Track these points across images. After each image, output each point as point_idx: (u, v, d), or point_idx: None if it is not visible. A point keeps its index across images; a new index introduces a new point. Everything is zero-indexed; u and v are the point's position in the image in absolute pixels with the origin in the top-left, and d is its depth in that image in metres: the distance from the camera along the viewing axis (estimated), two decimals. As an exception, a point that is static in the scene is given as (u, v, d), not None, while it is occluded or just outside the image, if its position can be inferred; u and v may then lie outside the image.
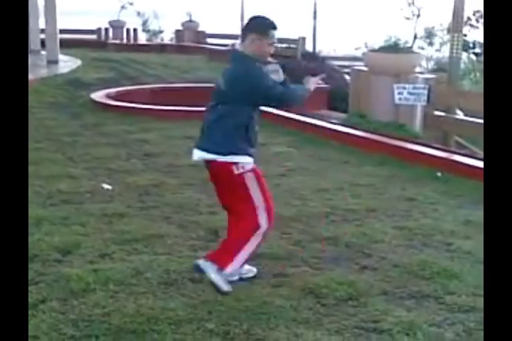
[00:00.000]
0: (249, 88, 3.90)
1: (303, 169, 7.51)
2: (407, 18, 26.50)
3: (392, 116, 10.11)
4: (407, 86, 9.64)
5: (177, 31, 28.45)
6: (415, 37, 24.43)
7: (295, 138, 9.31)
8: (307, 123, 10.04)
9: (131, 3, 32.11)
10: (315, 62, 20.01)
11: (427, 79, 9.97)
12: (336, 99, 14.19)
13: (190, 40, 27.02)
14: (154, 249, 4.79)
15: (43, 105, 11.75)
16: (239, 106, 3.93)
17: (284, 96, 4.05)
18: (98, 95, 12.37)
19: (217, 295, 3.99)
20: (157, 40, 31.32)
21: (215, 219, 5.47)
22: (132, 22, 30.37)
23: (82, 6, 39.66)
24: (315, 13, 23.40)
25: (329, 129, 9.53)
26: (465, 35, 10.58)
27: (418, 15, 26.62)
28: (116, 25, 28.46)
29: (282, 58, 20.68)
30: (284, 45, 22.90)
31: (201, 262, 3.97)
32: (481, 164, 7.11)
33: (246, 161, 4.00)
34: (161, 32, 33.05)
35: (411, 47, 15.99)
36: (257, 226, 4.02)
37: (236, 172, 3.97)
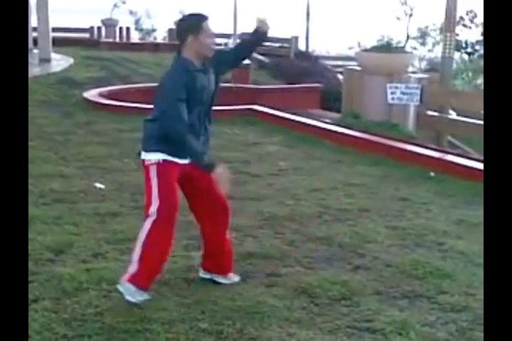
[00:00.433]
0: (160, 85, 3.90)
1: (296, 168, 7.51)
2: (399, 18, 26.53)
3: (385, 116, 10.14)
4: (399, 86, 9.66)
5: (170, 30, 28.40)
6: (408, 37, 24.49)
7: (288, 138, 9.31)
8: (301, 122, 10.04)
9: (123, 2, 32.07)
10: (308, 62, 20.04)
11: (419, 79, 10.00)
12: (328, 98, 14.22)
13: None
14: (147, 248, 4.77)
15: (35, 103, 11.70)
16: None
17: (167, 116, 3.81)
18: (90, 94, 12.34)
19: (211, 295, 3.99)
20: (150, 39, 31.26)
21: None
22: (125, 20, 30.31)
23: (74, 4, 39.56)
24: (308, 12, 23.44)
25: (323, 129, 9.54)
26: (457, 35, 10.60)
27: (411, 15, 26.67)
28: (109, 24, 28.40)
29: (275, 57, 20.77)
30: (277, 45, 22.94)
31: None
32: (474, 164, 7.14)
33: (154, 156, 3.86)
34: (153, 31, 33.02)
35: (404, 47, 16.02)
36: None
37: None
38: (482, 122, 8.32)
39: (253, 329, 3.63)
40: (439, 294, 4.11)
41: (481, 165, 6.86)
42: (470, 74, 19.64)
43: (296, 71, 17.90)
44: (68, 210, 5.62)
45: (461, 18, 23.82)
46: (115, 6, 32.01)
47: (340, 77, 15.42)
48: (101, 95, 12.28)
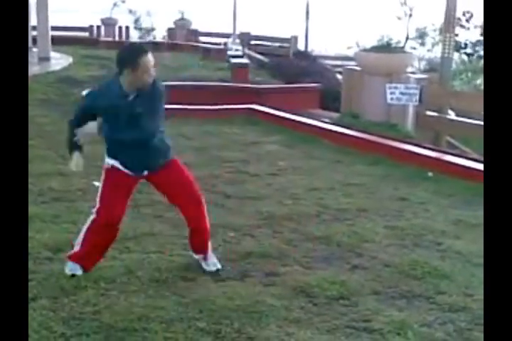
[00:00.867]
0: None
1: (295, 168, 7.51)
2: (399, 18, 26.54)
3: (384, 116, 10.14)
4: (399, 86, 9.66)
5: (169, 29, 28.39)
6: (407, 37, 24.48)
7: (287, 137, 9.31)
8: (300, 122, 10.04)
9: (123, 1, 32.00)
10: (307, 61, 20.03)
11: (418, 79, 10.00)
12: (328, 98, 14.21)
13: (183, 39, 26.96)
14: (146, 247, 4.78)
15: (35, 102, 11.67)
16: None
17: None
18: (90, 93, 12.31)
19: (209, 294, 3.99)
20: (149, 38, 31.22)
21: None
22: (124, 20, 30.27)
23: (74, 3, 39.52)
24: (307, 12, 23.44)
25: (322, 128, 9.53)
26: (456, 35, 10.60)
27: (410, 15, 26.67)
28: (109, 23, 28.37)
29: (274, 57, 20.76)
30: (276, 44, 22.94)
31: None
32: (472, 164, 7.14)
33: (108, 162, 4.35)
34: (153, 30, 32.96)
35: (403, 47, 16.01)
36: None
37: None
38: (481, 122, 8.33)
39: (251, 328, 3.63)
40: (438, 294, 4.12)
41: (479, 166, 6.87)
42: (469, 74, 19.65)
43: (295, 71, 17.89)
44: (67, 209, 5.62)
45: (458, 18, 23.81)
46: (115, 5, 31.93)
47: (339, 76, 15.42)
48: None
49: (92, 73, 15.90)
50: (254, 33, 24.00)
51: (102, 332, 3.53)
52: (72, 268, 4.20)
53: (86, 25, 28.11)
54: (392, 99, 9.70)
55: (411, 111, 9.91)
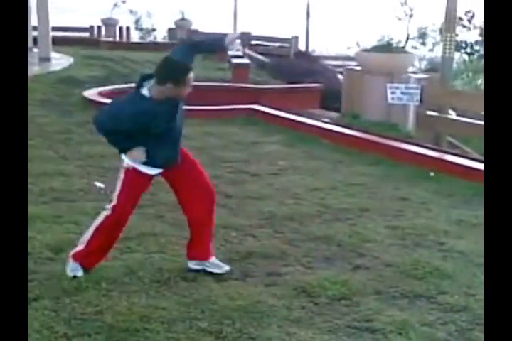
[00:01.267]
0: None
1: (296, 168, 7.51)
2: (400, 19, 26.57)
3: (384, 116, 10.13)
4: (399, 86, 9.65)
5: (170, 29, 28.40)
6: (408, 37, 24.51)
7: (288, 137, 9.31)
8: (300, 122, 10.03)
9: (123, 1, 32.03)
10: (308, 61, 20.04)
11: (419, 79, 9.99)
12: (328, 98, 14.20)
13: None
14: (147, 247, 4.78)
15: (35, 102, 11.68)
16: None
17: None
18: (90, 93, 12.32)
19: (210, 294, 4.00)
20: (150, 39, 31.24)
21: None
22: (125, 20, 30.29)
23: (74, 3, 39.52)
24: (308, 12, 23.44)
25: (322, 128, 9.53)
26: (457, 35, 10.61)
27: (411, 16, 26.68)
28: (109, 23, 28.38)
29: (275, 57, 20.77)
30: (277, 44, 22.94)
31: None
32: (473, 164, 7.14)
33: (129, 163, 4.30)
34: (153, 30, 32.98)
35: (404, 47, 16.02)
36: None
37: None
38: (481, 122, 8.32)
39: (253, 328, 3.63)
40: (439, 294, 4.12)
41: (480, 165, 6.87)
42: (470, 74, 19.64)
43: (296, 71, 17.88)
44: (68, 209, 5.62)
45: (460, 18, 23.79)
46: (115, 5, 31.97)
47: (340, 76, 15.42)
48: (101, 94, 12.27)
49: (93, 73, 15.90)
50: (254, 33, 24.01)
51: (104, 332, 3.53)
52: (73, 268, 4.20)
53: (87, 25, 28.12)
54: (392, 98, 9.69)
55: (412, 111, 9.90)
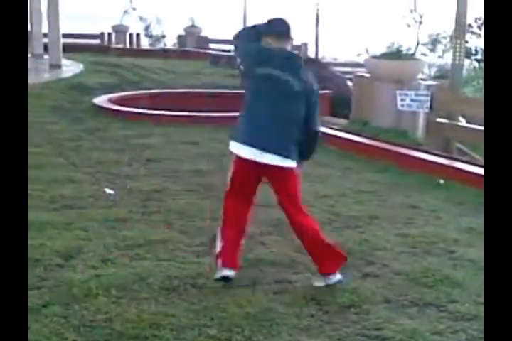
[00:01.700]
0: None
1: (305, 175, 7.46)
2: (409, 25, 26.55)
3: (394, 123, 10.11)
4: (409, 92, 9.64)
5: (179, 36, 28.49)
6: (418, 44, 24.49)
7: (297, 144, 9.29)
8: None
9: (134, 8, 32.14)
10: (317, 68, 20.02)
11: (429, 86, 9.98)
12: (337, 105, 14.19)
13: (193, 46, 27.05)
14: (157, 254, 4.79)
15: (45, 109, 11.75)
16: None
17: None
18: (100, 100, 12.37)
19: (220, 302, 3.99)
20: (160, 45, 31.33)
21: (218, 225, 5.46)
22: (135, 27, 30.41)
23: (85, 10, 39.73)
24: (317, 19, 23.45)
25: (331, 135, 9.53)
26: (467, 42, 10.57)
27: (420, 22, 26.66)
28: (120, 30, 28.50)
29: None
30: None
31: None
32: (482, 171, 7.11)
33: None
34: (163, 37, 33.06)
35: (413, 53, 16.00)
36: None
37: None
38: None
39: (262, 336, 3.62)
40: (449, 302, 4.10)
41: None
42: (480, 81, 19.58)
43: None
44: (78, 216, 5.64)
45: (470, 25, 23.73)
46: (125, 12, 32.08)
47: (349, 83, 15.41)
48: (111, 101, 12.31)
49: (103, 80, 15.96)
50: (264, 39, 24.02)
51: (113, 339, 3.54)
52: (221, 270, 4.21)
53: (97, 32, 28.25)
54: (402, 105, 9.68)
55: (421, 117, 9.89)
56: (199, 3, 35.23)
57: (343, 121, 12.03)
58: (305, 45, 22.42)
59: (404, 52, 14.07)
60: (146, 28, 33.00)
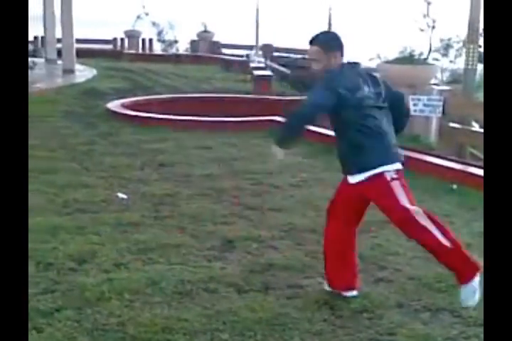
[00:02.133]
0: None
1: (318, 180, 7.50)
2: (422, 30, 26.48)
3: (406, 128, 10.07)
4: (422, 97, 9.62)
5: (192, 41, 28.58)
6: (430, 48, 24.43)
7: (310, 149, 9.30)
8: (322, 134, 10.02)
9: (146, 14, 32.27)
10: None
11: (442, 91, 9.96)
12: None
13: (205, 51, 27.14)
14: (169, 258, 4.80)
15: (59, 114, 11.82)
16: None
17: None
18: (114, 105, 12.43)
19: (232, 306, 4.00)
20: (172, 51, 31.43)
21: (230, 229, 5.49)
22: (147, 32, 30.52)
23: (98, 16, 39.94)
24: (330, 24, 23.45)
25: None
26: (480, 47, 10.55)
27: (433, 27, 26.59)
28: (132, 35, 28.64)
29: (297, 69, 20.80)
30: (298, 56, 22.97)
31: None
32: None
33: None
34: (176, 42, 33.17)
35: (426, 58, 15.97)
36: None
37: None
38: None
39: None
40: (462, 308, 4.07)
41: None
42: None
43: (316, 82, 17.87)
44: (91, 220, 5.66)
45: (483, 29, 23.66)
46: (138, 17, 32.22)
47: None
48: (124, 106, 12.37)
49: (116, 85, 16.05)
50: (276, 44, 24.08)
51: (126, 343, 3.55)
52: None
53: (110, 37, 28.39)
54: (415, 110, 9.66)
55: (434, 122, 9.86)
56: (212, 8, 35.36)
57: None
58: (317, 49, 22.42)
59: (417, 57, 14.06)
60: (159, 33, 33.10)
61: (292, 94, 16.47)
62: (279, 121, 11.00)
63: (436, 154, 8.64)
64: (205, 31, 28.20)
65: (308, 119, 4.02)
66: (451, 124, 9.91)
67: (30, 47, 22.22)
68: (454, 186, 7.16)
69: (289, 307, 4.03)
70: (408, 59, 11.12)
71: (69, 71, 17.90)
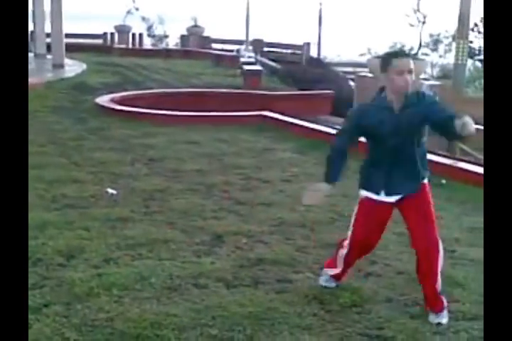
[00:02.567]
0: None
1: (308, 175, 7.50)
2: (412, 25, 26.55)
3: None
4: (412, 92, 9.63)
5: (182, 36, 28.53)
6: (420, 44, 24.46)
7: (300, 144, 9.31)
8: (312, 129, 10.04)
9: (137, 9, 32.20)
10: (320, 68, 20.04)
11: (432, 86, 9.97)
12: (340, 104, 14.21)
13: (195, 46, 27.09)
14: (158, 254, 4.79)
15: (48, 109, 11.77)
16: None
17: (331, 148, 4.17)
18: (103, 99, 12.39)
19: (221, 301, 3.99)
20: (162, 45, 31.37)
21: (220, 224, 5.48)
22: (138, 27, 30.47)
23: (88, 10, 39.78)
24: (320, 19, 23.45)
25: (334, 135, 9.51)
26: (471, 42, 10.55)
27: (423, 22, 26.64)
28: (122, 30, 28.56)
29: (287, 64, 20.80)
30: (289, 51, 22.99)
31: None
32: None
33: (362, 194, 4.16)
34: (166, 37, 33.12)
35: (416, 53, 15.99)
36: (341, 243, 4.26)
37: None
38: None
39: (264, 335, 3.62)
40: (451, 302, 4.09)
41: (493, 173, 6.83)
42: (482, 81, 19.57)
43: (307, 77, 17.90)
44: (80, 215, 5.64)
45: (475, 24, 23.66)
46: (128, 12, 32.15)
47: (352, 83, 15.41)
48: (113, 101, 12.33)
49: (105, 80, 16.01)
50: (266, 39, 24.07)
51: (115, 338, 3.53)
52: (326, 279, 4.27)
53: (100, 32, 28.29)
54: (404, 105, 9.67)
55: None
56: (202, 3, 35.26)
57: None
58: (307, 44, 22.43)
59: (407, 52, 14.08)
60: (149, 28, 33.06)
61: (282, 88, 16.48)
62: (268, 116, 11.01)
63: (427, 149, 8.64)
64: (196, 26, 28.17)
65: None
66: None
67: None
68: (444, 181, 7.18)
69: (279, 301, 4.03)
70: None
71: (58, 66, 17.83)
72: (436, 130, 3.78)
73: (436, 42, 28.08)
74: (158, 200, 6.24)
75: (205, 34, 28.06)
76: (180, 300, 4.02)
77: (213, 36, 27.78)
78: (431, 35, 27.94)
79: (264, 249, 4.99)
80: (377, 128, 3.78)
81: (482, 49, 22.98)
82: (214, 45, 26.97)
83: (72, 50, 19.69)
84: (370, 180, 4.05)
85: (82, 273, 4.34)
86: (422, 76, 12.10)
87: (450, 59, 18.25)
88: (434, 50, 27.88)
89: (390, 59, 3.71)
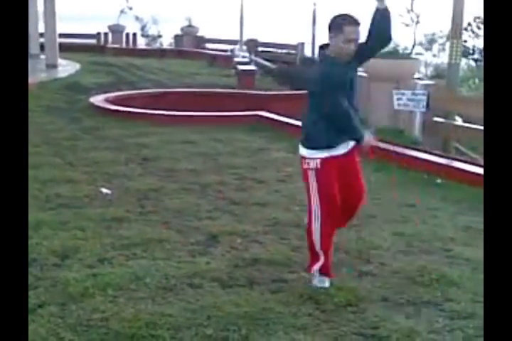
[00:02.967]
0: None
1: (300, 174, 7.48)
2: (407, 25, 26.55)
3: (391, 122, 10.12)
4: (406, 92, 9.65)
5: (176, 36, 28.48)
6: (414, 43, 24.50)
7: (295, 144, 9.27)
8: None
9: (130, 8, 32.11)
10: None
11: (426, 86, 9.98)
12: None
13: (190, 45, 27.05)
14: (153, 253, 4.78)
15: (42, 109, 11.74)
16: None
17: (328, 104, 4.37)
18: (97, 99, 12.37)
19: (216, 301, 3.99)
20: (156, 45, 31.32)
21: (214, 224, 5.47)
22: (131, 27, 30.40)
23: (81, 10, 39.72)
24: (314, 19, 23.44)
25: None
26: (465, 42, 10.58)
27: (417, 22, 26.65)
28: (116, 30, 28.48)
29: (281, 63, 20.79)
30: (283, 51, 22.97)
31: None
32: (480, 170, 7.11)
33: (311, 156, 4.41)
34: (159, 37, 33.05)
35: (410, 53, 16.01)
36: (310, 231, 4.35)
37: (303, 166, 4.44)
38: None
39: (259, 335, 3.62)
40: (446, 301, 4.10)
41: (487, 172, 6.84)
42: (477, 81, 19.61)
43: (302, 77, 17.88)
44: (74, 215, 5.63)
45: (469, 24, 23.66)
46: (122, 12, 32.05)
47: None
48: (107, 101, 12.31)
49: (99, 80, 15.98)
50: (261, 39, 24.05)
51: (110, 338, 3.53)
52: (319, 280, 4.28)
53: (93, 32, 28.22)
54: (399, 105, 9.69)
55: (418, 117, 9.89)
56: (196, 2, 35.27)
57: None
58: (302, 44, 22.41)
59: (401, 51, 14.08)
60: (143, 28, 32.97)
61: (276, 88, 16.47)
62: (263, 116, 11.00)
63: (421, 149, 8.67)
64: (190, 26, 28.11)
65: None
66: (436, 119, 9.94)
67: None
68: (439, 180, 7.19)
69: (274, 301, 4.03)
70: (392, 53, 11.12)
71: (52, 66, 17.80)
72: (373, 39, 4.16)
73: (431, 41, 28.11)
74: (153, 200, 6.23)
75: (200, 34, 28.03)
76: (175, 300, 4.01)
77: (207, 36, 27.76)
78: (425, 35, 27.96)
79: (259, 248, 4.99)
80: (344, 82, 4.13)
81: (476, 48, 23.05)
82: (208, 45, 26.95)
83: (65, 50, 19.65)
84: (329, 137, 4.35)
85: (76, 273, 4.33)
86: (416, 75, 12.11)
87: (444, 58, 18.27)
88: (428, 49, 27.90)
89: (343, 26, 3.94)
